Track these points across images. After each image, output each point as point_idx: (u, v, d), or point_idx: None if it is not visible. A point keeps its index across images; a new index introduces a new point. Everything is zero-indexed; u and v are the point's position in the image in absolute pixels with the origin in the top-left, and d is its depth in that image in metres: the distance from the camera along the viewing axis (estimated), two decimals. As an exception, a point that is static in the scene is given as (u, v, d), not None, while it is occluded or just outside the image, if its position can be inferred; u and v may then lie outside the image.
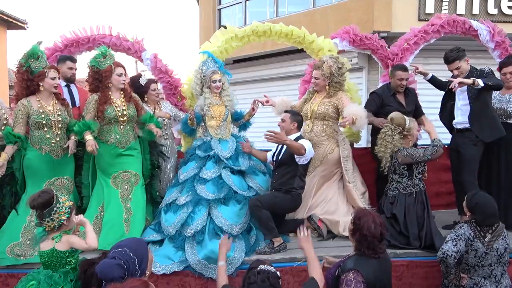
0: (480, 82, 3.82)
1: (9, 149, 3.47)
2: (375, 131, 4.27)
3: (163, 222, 3.75)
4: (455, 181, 4.28)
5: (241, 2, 10.79)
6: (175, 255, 3.50)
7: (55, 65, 4.29)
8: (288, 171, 3.77)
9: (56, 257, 2.77)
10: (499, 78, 4.25)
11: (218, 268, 2.84)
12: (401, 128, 3.77)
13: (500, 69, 4.30)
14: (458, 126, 4.18)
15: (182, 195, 3.83)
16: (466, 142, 4.09)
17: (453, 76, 4.13)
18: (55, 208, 2.76)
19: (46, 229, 2.80)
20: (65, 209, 2.80)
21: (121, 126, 3.85)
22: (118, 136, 3.84)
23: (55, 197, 2.79)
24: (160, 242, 3.70)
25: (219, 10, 11.47)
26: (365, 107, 4.53)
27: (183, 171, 4.02)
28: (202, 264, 3.39)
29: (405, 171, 3.76)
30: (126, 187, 3.82)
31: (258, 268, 2.24)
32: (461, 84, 3.86)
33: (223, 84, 4.19)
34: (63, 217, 2.79)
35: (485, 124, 4.05)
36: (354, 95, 4.80)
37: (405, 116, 3.85)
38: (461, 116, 4.14)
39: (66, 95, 4.34)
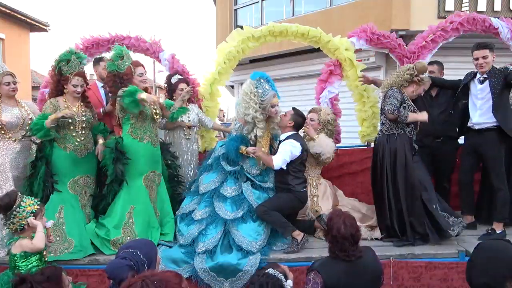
0: None
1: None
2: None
3: (176, 230, 3.78)
4: (461, 181, 4.19)
5: (258, 1, 10.79)
6: (181, 262, 3.46)
7: (92, 66, 4.52)
8: (277, 171, 3.73)
9: (10, 259, 2.81)
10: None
11: None
12: (416, 72, 3.76)
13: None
14: (477, 127, 4.05)
15: (199, 209, 3.74)
16: (487, 143, 3.98)
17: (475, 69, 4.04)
18: (14, 212, 2.77)
19: (11, 231, 2.86)
20: (26, 214, 2.80)
21: (154, 124, 3.88)
22: (152, 134, 3.85)
23: (17, 200, 2.79)
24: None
25: (236, 10, 11.49)
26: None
27: (204, 181, 3.86)
28: (210, 275, 3.32)
29: None
30: (153, 187, 3.86)
31: (265, 271, 2.23)
32: None
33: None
34: (23, 222, 2.81)
35: (510, 117, 3.92)
36: (370, 94, 4.77)
37: (427, 72, 3.82)
38: (480, 117, 4.00)
39: (102, 96, 4.49)
